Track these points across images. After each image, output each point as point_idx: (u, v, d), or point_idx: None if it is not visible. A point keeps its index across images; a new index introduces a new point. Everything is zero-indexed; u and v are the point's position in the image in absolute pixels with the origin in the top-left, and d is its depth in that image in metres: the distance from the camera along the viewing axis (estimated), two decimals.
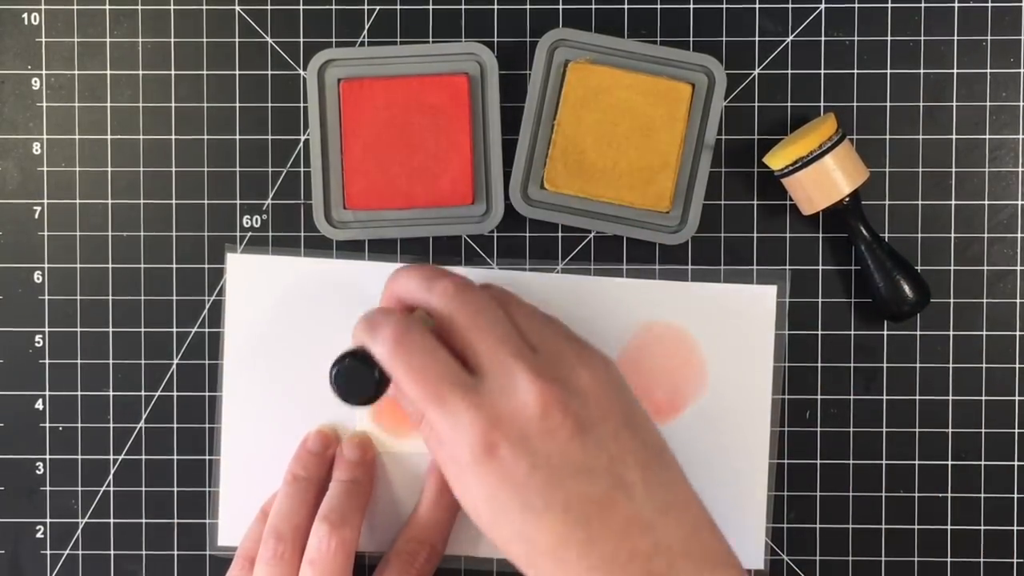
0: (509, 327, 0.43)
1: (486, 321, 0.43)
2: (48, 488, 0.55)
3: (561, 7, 0.54)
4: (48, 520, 0.55)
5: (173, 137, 0.54)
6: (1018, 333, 0.54)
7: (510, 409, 0.41)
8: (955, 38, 0.54)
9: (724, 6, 0.54)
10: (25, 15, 0.54)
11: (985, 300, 0.54)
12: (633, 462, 0.41)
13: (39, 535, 0.55)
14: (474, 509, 0.43)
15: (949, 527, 0.54)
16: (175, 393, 0.55)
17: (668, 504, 0.42)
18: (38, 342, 0.55)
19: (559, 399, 0.41)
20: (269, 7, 0.54)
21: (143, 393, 0.55)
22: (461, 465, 0.41)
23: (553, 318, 0.46)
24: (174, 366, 0.55)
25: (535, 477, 0.40)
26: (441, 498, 0.52)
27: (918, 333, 0.54)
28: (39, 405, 0.55)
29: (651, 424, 0.44)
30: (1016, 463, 0.54)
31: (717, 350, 0.54)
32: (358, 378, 0.43)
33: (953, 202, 0.54)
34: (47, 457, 0.55)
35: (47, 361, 0.55)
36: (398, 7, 0.54)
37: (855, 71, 0.54)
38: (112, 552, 0.55)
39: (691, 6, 0.54)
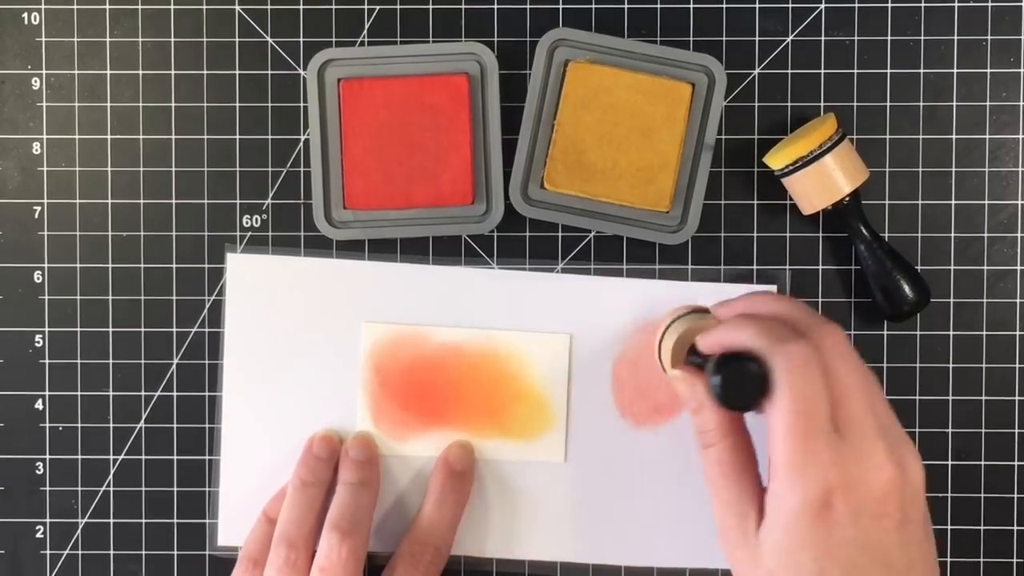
0: (883, 399, 0.43)
1: (871, 387, 0.43)
2: (48, 488, 0.55)
3: (561, 7, 0.54)
4: (48, 520, 0.55)
5: (173, 137, 0.54)
6: (1018, 333, 0.54)
7: (857, 478, 0.41)
8: (955, 38, 0.54)
9: (724, 6, 0.54)
10: (25, 15, 0.54)
11: (985, 300, 0.54)
12: (921, 572, 0.42)
13: (39, 535, 0.55)
14: (763, 545, 0.42)
15: (949, 527, 0.54)
16: (175, 393, 0.55)
17: None
18: (38, 342, 0.55)
19: (899, 488, 0.41)
20: (269, 7, 0.54)
21: (143, 393, 0.55)
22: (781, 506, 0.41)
23: None
24: (174, 366, 0.55)
25: (848, 551, 0.40)
26: (444, 500, 0.52)
27: (918, 333, 0.54)
28: (39, 405, 0.55)
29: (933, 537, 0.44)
30: (1016, 463, 0.54)
31: None
32: (748, 382, 0.43)
33: (953, 202, 0.54)
34: (47, 457, 0.55)
35: (47, 361, 0.55)
36: (398, 7, 0.54)
37: (855, 71, 0.54)
38: (112, 552, 0.55)
39: (691, 6, 0.54)
